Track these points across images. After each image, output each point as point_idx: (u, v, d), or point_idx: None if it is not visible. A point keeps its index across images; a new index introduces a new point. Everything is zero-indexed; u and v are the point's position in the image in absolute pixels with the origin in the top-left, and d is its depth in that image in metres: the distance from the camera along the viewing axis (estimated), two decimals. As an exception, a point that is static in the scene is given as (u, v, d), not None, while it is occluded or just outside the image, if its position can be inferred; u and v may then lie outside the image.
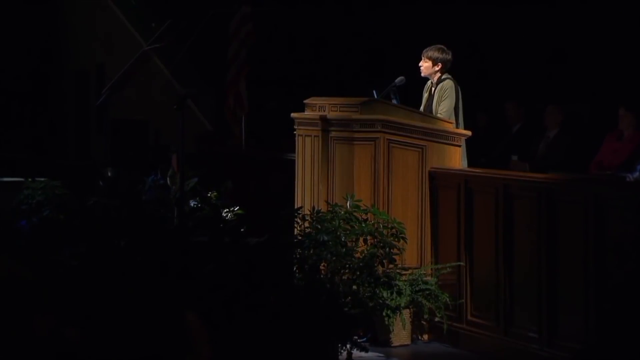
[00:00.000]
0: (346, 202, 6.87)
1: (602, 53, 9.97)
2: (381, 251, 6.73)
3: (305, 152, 7.40)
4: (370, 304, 6.59)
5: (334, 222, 6.68)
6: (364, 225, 6.75)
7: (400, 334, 6.86)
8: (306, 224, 6.78)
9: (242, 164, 9.91)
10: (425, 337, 7.07)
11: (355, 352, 5.91)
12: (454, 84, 7.58)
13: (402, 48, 10.59)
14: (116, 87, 9.06)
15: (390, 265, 6.76)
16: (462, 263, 6.89)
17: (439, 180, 7.14)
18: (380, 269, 6.73)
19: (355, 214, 6.79)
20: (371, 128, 7.06)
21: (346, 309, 6.25)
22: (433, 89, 7.69)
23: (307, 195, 7.36)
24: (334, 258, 6.53)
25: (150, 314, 5.05)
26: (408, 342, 6.93)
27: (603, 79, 9.88)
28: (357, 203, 6.85)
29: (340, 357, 5.91)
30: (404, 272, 6.89)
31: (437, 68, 7.62)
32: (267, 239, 5.82)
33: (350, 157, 7.07)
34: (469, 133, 7.43)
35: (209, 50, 11.60)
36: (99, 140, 13.38)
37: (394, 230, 6.82)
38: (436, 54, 7.61)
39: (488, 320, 6.70)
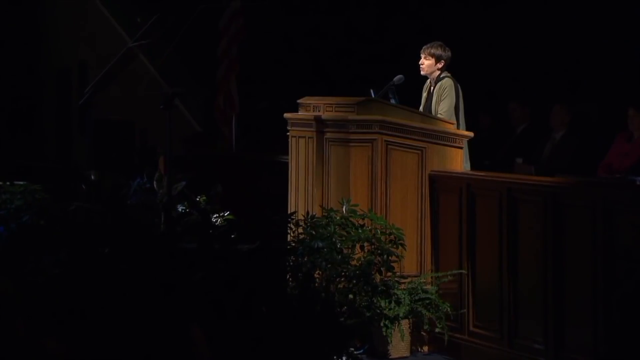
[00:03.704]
0: (342, 207, 6.88)
1: (611, 51, 9.98)
2: (379, 258, 6.74)
3: (299, 154, 7.41)
4: (368, 314, 6.60)
5: (329, 228, 6.69)
6: (360, 231, 6.76)
7: (399, 345, 6.86)
8: (300, 230, 6.78)
9: (232, 167, 9.91)
10: (425, 348, 7.08)
11: (352, 365, 5.90)
12: (453, 82, 7.61)
13: (401, 46, 10.60)
14: (100, 85, 9.07)
15: (389, 273, 6.77)
16: (464, 271, 6.90)
17: (439, 184, 7.15)
18: (377, 277, 6.74)
19: (351, 219, 6.80)
20: (368, 129, 7.08)
21: (342, 320, 6.25)
22: (432, 88, 7.72)
23: (300, 199, 7.37)
24: (329, 266, 6.54)
25: (134, 324, 5.06)
26: (407, 354, 6.94)
27: (612, 78, 9.90)
28: (353, 208, 6.86)
29: (335, 370, 5.91)
30: (402, 281, 6.90)
31: (439, 65, 7.65)
32: (258, 246, 5.82)
33: (346, 160, 7.08)
34: (470, 134, 7.45)
35: (198, 47, 11.60)
36: (82, 141, 13.36)
37: (392, 236, 6.83)
38: (439, 51, 7.64)
39: (491, 331, 6.71)
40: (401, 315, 6.74)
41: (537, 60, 10.59)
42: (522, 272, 6.49)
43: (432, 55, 7.65)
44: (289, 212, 7.31)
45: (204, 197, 7.15)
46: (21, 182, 7.78)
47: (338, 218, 6.79)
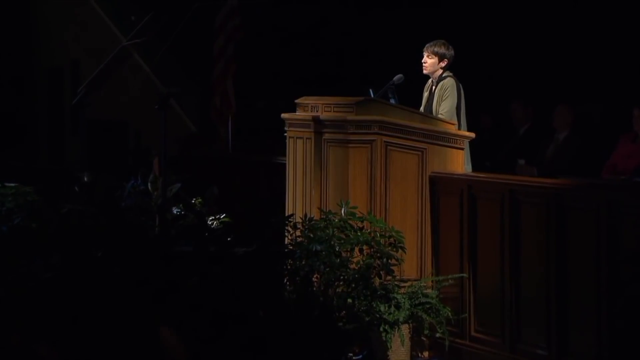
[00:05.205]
0: (340, 209, 6.88)
1: (615, 50, 9.99)
2: (378, 262, 6.73)
3: (297, 155, 7.41)
4: (367, 319, 6.60)
5: (327, 231, 6.69)
6: (359, 234, 6.76)
7: (399, 351, 6.86)
8: (298, 233, 6.78)
9: (228, 168, 9.92)
10: (426, 354, 7.08)
11: (351, 371, 5.92)
12: (455, 82, 7.61)
13: (401, 44, 10.61)
14: (93, 85, 9.07)
15: (388, 277, 6.77)
16: (465, 275, 6.90)
17: (440, 186, 7.15)
18: (377, 281, 6.74)
19: (350, 222, 6.80)
20: (367, 130, 7.08)
21: (340, 324, 6.26)
22: (433, 87, 7.72)
23: (298, 201, 7.37)
24: (328, 269, 6.54)
25: (128, 329, 5.06)
26: (407, 359, 6.93)
27: (616, 77, 9.91)
28: (352, 210, 6.86)
29: (334, 376, 5.92)
30: (402, 285, 6.90)
31: (442, 64, 7.67)
32: (255, 249, 5.82)
33: (345, 161, 7.08)
34: (472, 135, 7.45)
35: (194, 45, 11.61)
36: (74, 142, 13.39)
37: (391, 239, 6.83)
38: (442, 50, 7.65)
39: (493, 336, 6.71)
40: (401, 319, 6.74)
41: (540, 60, 10.60)
42: (524, 276, 6.49)
43: (435, 54, 7.66)
44: (286, 214, 7.31)
45: (200, 199, 7.16)
46: (12, 184, 7.79)
47: (336, 220, 6.79)
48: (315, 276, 6.49)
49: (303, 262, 6.42)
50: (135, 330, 5.12)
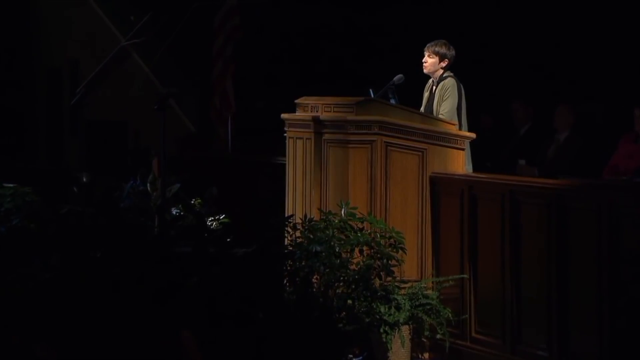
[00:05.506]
0: (340, 210, 6.88)
1: (615, 50, 9.99)
2: (378, 263, 6.73)
3: (297, 155, 7.41)
4: (367, 320, 6.59)
5: (327, 232, 6.68)
6: (359, 234, 6.76)
7: (399, 352, 6.86)
8: (297, 234, 6.78)
9: (228, 169, 9.92)
10: (426, 355, 7.08)
11: (351, 372, 5.92)
12: (456, 82, 7.61)
13: (401, 44, 10.61)
14: (92, 85, 9.08)
15: (388, 278, 6.77)
16: (465, 275, 6.90)
17: (440, 186, 7.15)
18: (377, 282, 6.74)
19: (350, 222, 6.80)
20: (367, 130, 7.08)
21: (340, 325, 6.25)
22: (434, 87, 7.73)
23: (298, 202, 7.37)
24: (328, 270, 6.54)
25: (128, 330, 5.06)
26: (407, 361, 6.94)
27: (617, 77, 9.91)
28: (352, 211, 6.85)
29: (334, 377, 5.91)
30: (402, 286, 6.90)
31: (443, 64, 7.67)
32: (255, 250, 5.82)
33: (345, 161, 7.08)
34: (472, 135, 7.45)
35: (193, 45, 11.61)
36: (73, 142, 13.39)
37: (392, 240, 6.82)
38: (443, 50, 7.65)
39: (493, 337, 6.71)
40: (401, 321, 6.74)
41: (540, 59, 10.60)
42: (525, 277, 6.49)
43: (436, 54, 7.67)
44: (286, 215, 7.31)
45: (199, 200, 7.16)
46: (11, 184, 7.79)
47: (336, 221, 6.79)
48: (315, 277, 6.49)
49: (303, 263, 6.42)
50: (135, 331, 5.12)
